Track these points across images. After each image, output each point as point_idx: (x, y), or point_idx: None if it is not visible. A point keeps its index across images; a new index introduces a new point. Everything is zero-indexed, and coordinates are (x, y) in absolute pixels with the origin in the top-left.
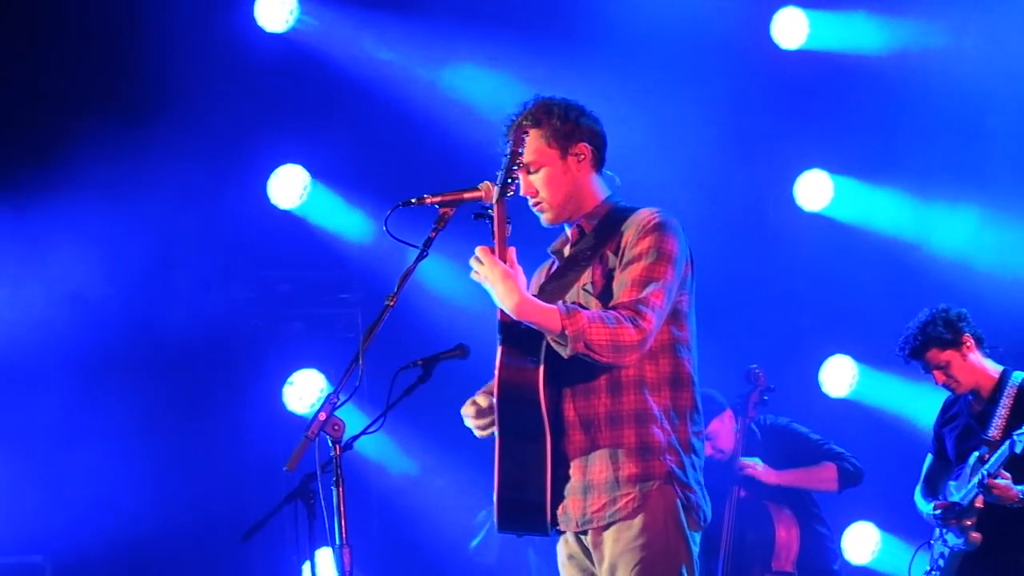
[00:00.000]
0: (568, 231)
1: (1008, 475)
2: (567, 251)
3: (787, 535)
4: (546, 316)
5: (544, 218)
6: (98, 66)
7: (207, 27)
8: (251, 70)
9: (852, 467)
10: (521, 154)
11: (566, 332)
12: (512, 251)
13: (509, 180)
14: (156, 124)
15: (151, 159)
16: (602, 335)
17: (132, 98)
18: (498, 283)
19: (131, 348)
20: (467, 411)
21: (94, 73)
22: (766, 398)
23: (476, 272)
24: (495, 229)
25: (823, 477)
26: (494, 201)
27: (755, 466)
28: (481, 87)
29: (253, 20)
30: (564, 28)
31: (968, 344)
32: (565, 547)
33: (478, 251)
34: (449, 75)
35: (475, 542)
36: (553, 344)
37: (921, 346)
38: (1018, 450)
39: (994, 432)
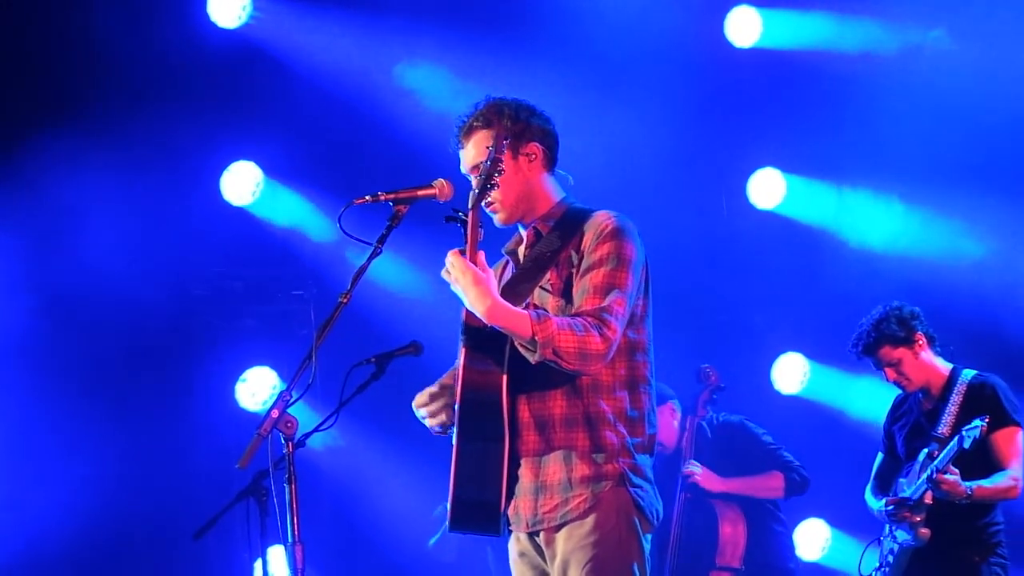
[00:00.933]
0: (523, 232)
1: (956, 471)
2: (522, 252)
3: (732, 531)
4: (517, 321)
5: (497, 218)
6: (50, 61)
7: (160, 22)
8: (204, 66)
9: (799, 477)
10: (501, 161)
11: (536, 338)
12: (482, 255)
13: (488, 186)
14: (108, 119)
15: (103, 155)
16: (570, 343)
17: (84, 94)
18: (470, 287)
19: (84, 345)
20: (418, 401)
21: (46, 68)
22: (715, 397)
23: (447, 275)
24: (468, 234)
25: (769, 486)
26: (470, 207)
27: (698, 473)
28: (435, 85)
29: (206, 15)
30: (518, 27)
31: (920, 343)
32: (516, 544)
33: (450, 255)
34: (403, 72)
35: (434, 540)
36: (521, 349)
37: (874, 343)
38: (967, 446)
39: (943, 429)
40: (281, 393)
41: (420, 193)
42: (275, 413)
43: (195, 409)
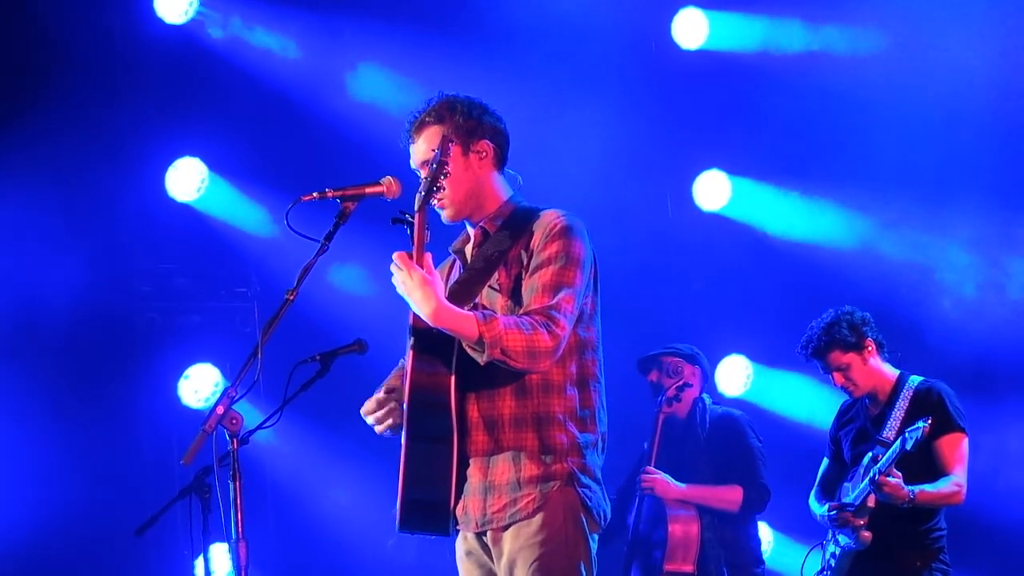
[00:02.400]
0: (471, 231)
1: (899, 474)
2: (470, 251)
3: (684, 533)
4: (463, 323)
5: (444, 215)
6: None
7: (105, 16)
8: (149, 61)
9: (758, 497)
10: (447, 163)
11: (483, 339)
12: (429, 257)
13: (434, 188)
14: (53, 113)
15: (47, 148)
16: (518, 342)
17: (27, 87)
18: (415, 290)
19: (25, 339)
20: (366, 408)
21: None
22: (684, 396)
23: (394, 278)
24: (415, 235)
25: (726, 498)
26: (416, 209)
27: (655, 482)
28: (382, 83)
29: (152, 10)
30: (466, 26)
31: (870, 348)
32: (464, 543)
33: (396, 257)
34: (350, 70)
35: (393, 540)
36: (469, 350)
37: (824, 347)
38: (909, 447)
39: (888, 433)
40: (226, 389)
41: (368, 190)
42: (220, 409)
43: (138, 405)
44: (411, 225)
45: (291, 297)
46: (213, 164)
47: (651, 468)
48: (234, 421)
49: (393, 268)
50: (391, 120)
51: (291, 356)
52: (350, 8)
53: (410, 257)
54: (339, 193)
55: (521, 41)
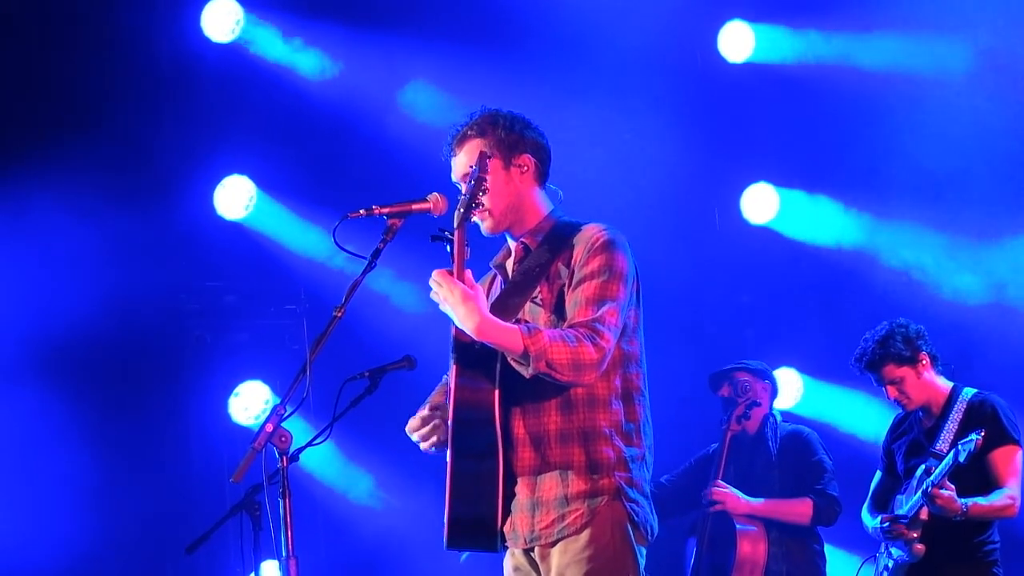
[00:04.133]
0: (512, 246)
1: (952, 486)
2: (511, 266)
3: (752, 550)
4: (508, 336)
5: (484, 227)
6: (46, 75)
7: (154, 37)
8: (197, 80)
9: (827, 508)
10: (486, 180)
11: (529, 352)
12: (469, 273)
13: (473, 205)
14: (102, 133)
15: (97, 168)
16: (563, 354)
17: (79, 107)
18: (459, 305)
19: (77, 359)
20: (411, 426)
21: (43, 82)
22: (749, 412)
23: (435, 294)
24: (455, 252)
25: (796, 511)
26: (456, 225)
27: (726, 497)
28: (429, 99)
29: (200, 30)
30: (512, 42)
31: (924, 362)
32: (511, 559)
33: (436, 274)
34: (397, 87)
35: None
36: (514, 364)
37: (879, 360)
38: (962, 459)
39: (941, 446)
40: (275, 407)
41: (415, 207)
42: (269, 427)
43: (189, 423)
44: (451, 242)
45: (339, 314)
46: (261, 182)
47: (721, 483)
48: (283, 439)
49: (432, 284)
50: (438, 137)
51: (340, 373)
52: (397, 25)
53: (451, 274)
54: (386, 210)
55: (568, 57)
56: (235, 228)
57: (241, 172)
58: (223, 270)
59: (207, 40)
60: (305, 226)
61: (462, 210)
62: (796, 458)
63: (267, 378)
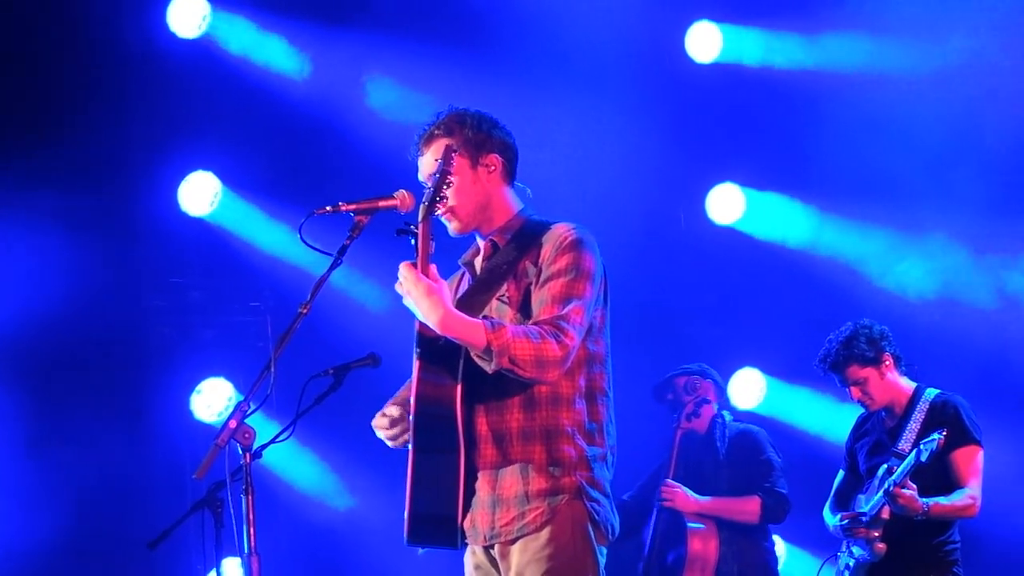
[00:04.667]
0: (480, 244)
1: (914, 486)
2: (479, 264)
3: (703, 548)
4: (471, 331)
5: (451, 227)
6: (7, 69)
7: (120, 33)
8: (163, 75)
9: (776, 506)
10: (450, 173)
11: (491, 347)
12: (434, 267)
13: (437, 199)
14: (66, 128)
15: (61, 164)
16: (527, 350)
17: (43, 102)
18: (423, 299)
19: (40, 354)
20: (378, 423)
21: (4, 76)
22: (699, 410)
23: (400, 287)
24: (419, 246)
25: (745, 510)
26: (420, 219)
27: (675, 495)
28: (396, 96)
29: (165, 25)
30: (479, 39)
31: (887, 363)
32: (472, 557)
33: (402, 267)
34: (364, 83)
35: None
36: (477, 359)
37: (843, 361)
38: (924, 459)
39: (903, 445)
40: (239, 404)
41: (381, 204)
42: (232, 423)
43: (152, 420)
44: (415, 236)
45: (304, 311)
46: (226, 178)
47: (671, 481)
48: (247, 435)
49: (399, 279)
50: (406, 134)
51: (304, 370)
52: (365, 22)
53: (415, 267)
54: (352, 207)
55: (534, 55)
56: (200, 224)
57: (206, 168)
58: (188, 267)
59: (173, 35)
60: (270, 223)
61: (426, 204)
62: (745, 457)
63: (231, 375)
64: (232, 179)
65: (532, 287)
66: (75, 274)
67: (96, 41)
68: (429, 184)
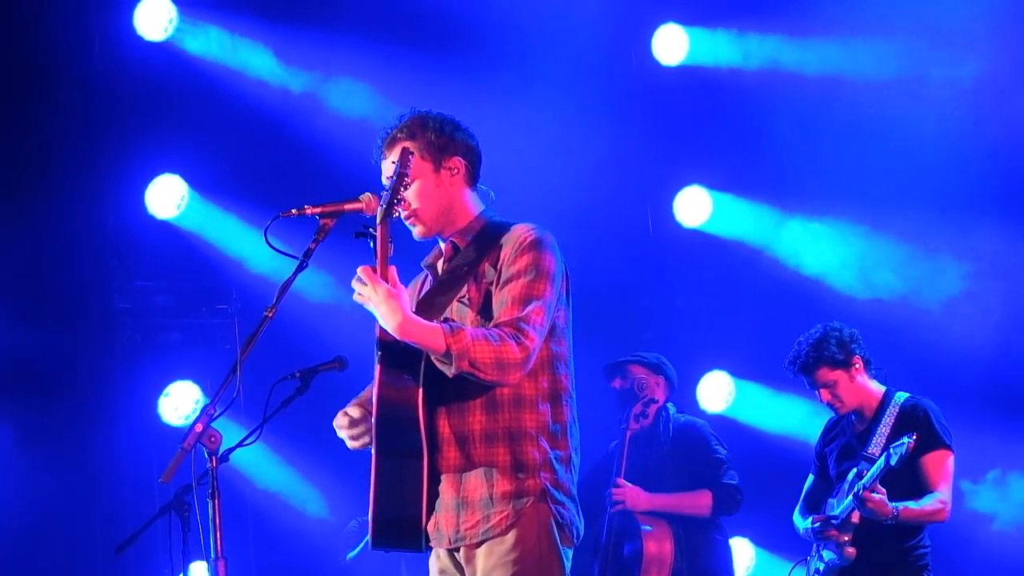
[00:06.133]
0: (442, 246)
1: (884, 490)
2: (440, 267)
3: (658, 549)
4: (430, 335)
5: (416, 231)
6: None
7: (85, 34)
8: (130, 78)
9: (727, 497)
10: (407, 175)
11: (451, 351)
12: (393, 270)
13: (395, 201)
14: (31, 130)
15: (26, 165)
16: (486, 353)
17: (5, 104)
18: (381, 304)
19: (3, 357)
20: (340, 422)
21: None
22: (649, 411)
23: (359, 293)
24: (378, 249)
25: (696, 504)
26: (378, 222)
27: (625, 493)
28: (361, 99)
29: (132, 28)
30: (443, 40)
31: (857, 366)
32: (437, 562)
33: (360, 271)
34: (329, 86)
35: (352, 554)
36: (437, 363)
37: (812, 363)
38: (893, 463)
39: (873, 449)
40: (205, 407)
41: (347, 207)
42: (199, 427)
43: (118, 423)
44: (374, 239)
45: (270, 314)
46: (193, 181)
47: (621, 481)
48: (213, 439)
49: (355, 283)
50: (371, 136)
51: (271, 373)
52: (331, 24)
53: (374, 271)
54: (318, 210)
55: (499, 57)
56: (166, 227)
57: (173, 171)
58: (154, 269)
59: (140, 38)
60: (237, 226)
61: (383, 206)
62: (690, 451)
63: (197, 378)
64: (199, 182)
65: (492, 288)
66: (42, 277)
67: (63, 43)
68: (386, 188)
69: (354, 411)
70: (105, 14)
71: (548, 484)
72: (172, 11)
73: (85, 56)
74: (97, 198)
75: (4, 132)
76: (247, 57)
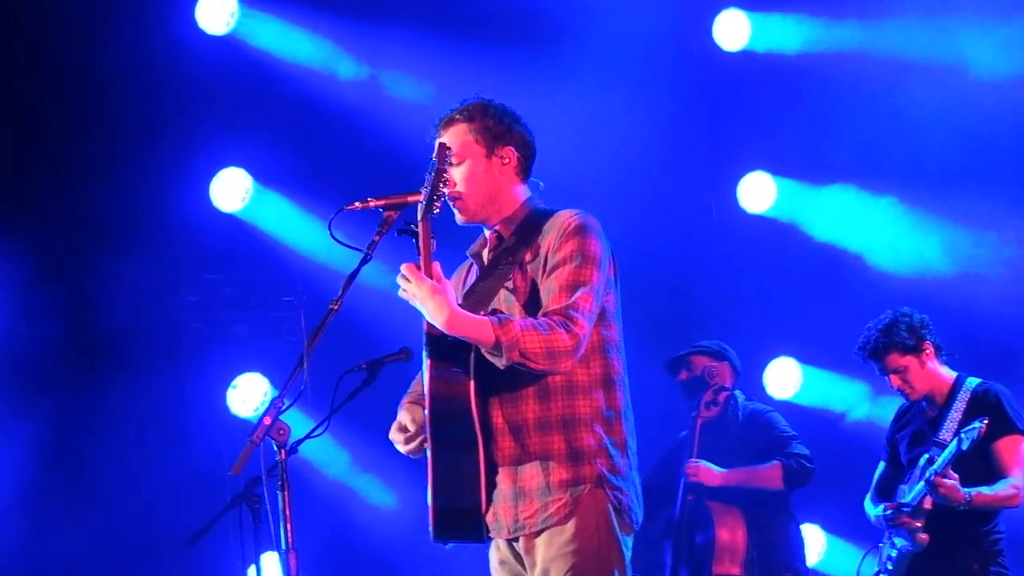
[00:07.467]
0: (487, 234)
1: (956, 476)
2: (486, 255)
3: (731, 537)
4: (479, 329)
5: (459, 216)
6: (39, 69)
7: (148, 30)
8: (192, 72)
9: (798, 466)
10: (446, 171)
11: (501, 343)
12: (437, 266)
13: (435, 197)
14: (99, 127)
15: (93, 161)
16: (536, 343)
17: (72, 101)
18: (427, 300)
19: (75, 351)
20: (395, 437)
21: (36, 77)
22: (718, 397)
23: (404, 290)
24: (420, 245)
25: (768, 476)
26: (419, 219)
27: (698, 470)
28: (421, 89)
29: (194, 22)
30: (506, 32)
31: (928, 351)
32: (496, 552)
33: (404, 269)
34: (388, 77)
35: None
36: (488, 356)
37: (883, 349)
38: (965, 447)
39: (945, 435)
40: (273, 400)
41: (410, 199)
42: (267, 420)
43: (187, 416)
44: (416, 235)
45: (335, 307)
46: (258, 174)
47: (693, 460)
48: (281, 432)
49: (400, 280)
50: (432, 128)
51: (337, 365)
52: (392, 16)
53: (418, 268)
54: (381, 202)
55: (563, 45)
56: (232, 221)
57: (237, 164)
58: (220, 263)
59: (202, 32)
60: (301, 218)
61: (424, 203)
62: (760, 436)
63: (265, 370)
64: (263, 175)
65: (538, 276)
66: (111, 272)
67: (125, 40)
68: (426, 184)
69: (406, 418)
70: (167, 10)
71: (604, 470)
72: (233, 4)
73: (147, 53)
74: (162, 193)
75: (71, 132)
76: (307, 49)
